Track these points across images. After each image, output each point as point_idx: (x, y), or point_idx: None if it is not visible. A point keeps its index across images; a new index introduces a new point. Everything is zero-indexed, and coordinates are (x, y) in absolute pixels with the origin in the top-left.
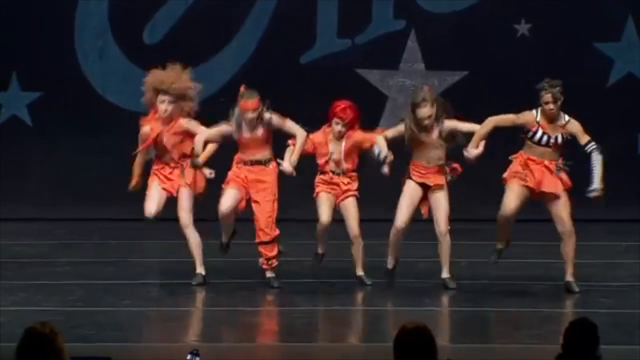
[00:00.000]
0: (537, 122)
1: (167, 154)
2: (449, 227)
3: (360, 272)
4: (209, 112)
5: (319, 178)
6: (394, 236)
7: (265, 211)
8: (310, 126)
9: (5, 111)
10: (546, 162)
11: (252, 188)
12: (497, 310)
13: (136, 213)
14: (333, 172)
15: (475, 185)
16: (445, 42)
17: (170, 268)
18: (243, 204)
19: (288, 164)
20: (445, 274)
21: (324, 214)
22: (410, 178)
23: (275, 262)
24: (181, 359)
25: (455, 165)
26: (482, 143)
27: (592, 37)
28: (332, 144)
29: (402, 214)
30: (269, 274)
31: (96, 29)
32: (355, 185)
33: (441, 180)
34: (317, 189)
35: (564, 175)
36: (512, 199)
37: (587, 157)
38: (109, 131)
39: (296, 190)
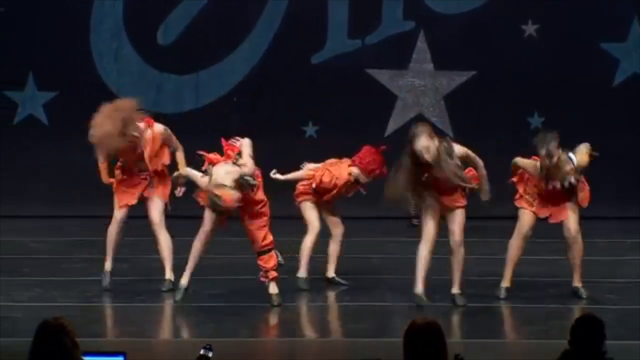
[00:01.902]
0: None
1: (136, 162)
2: (463, 239)
3: (332, 274)
4: (222, 112)
5: (305, 188)
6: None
7: (257, 221)
8: (323, 125)
9: (22, 110)
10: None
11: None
12: (505, 306)
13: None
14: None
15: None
16: (453, 42)
17: (182, 264)
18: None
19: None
20: (455, 289)
21: (316, 220)
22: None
23: (274, 274)
24: (195, 353)
25: (472, 174)
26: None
27: (599, 38)
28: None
29: (429, 230)
30: (271, 290)
31: (111, 30)
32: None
33: (462, 201)
34: (301, 197)
35: (582, 193)
36: (525, 222)
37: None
38: None
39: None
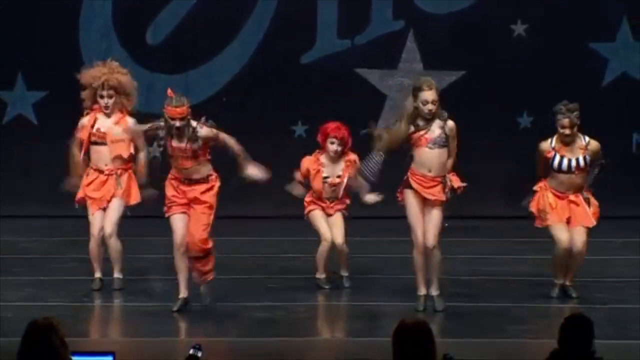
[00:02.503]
0: (553, 148)
1: (102, 156)
2: (438, 241)
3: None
4: (212, 111)
5: (310, 198)
6: (420, 256)
7: (199, 224)
8: (312, 125)
9: (11, 110)
10: (571, 197)
11: (192, 203)
12: (494, 305)
13: (140, 210)
14: (327, 199)
15: (473, 182)
16: (443, 42)
17: (173, 264)
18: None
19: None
20: (435, 291)
21: (326, 231)
22: (410, 187)
23: (210, 277)
24: (184, 353)
25: (458, 184)
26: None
27: (588, 38)
28: (327, 168)
29: (418, 231)
30: (202, 289)
31: (100, 30)
32: (344, 205)
33: (442, 196)
34: (308, 207)
35: (592, 208)
36: (561, 235)
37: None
38: None
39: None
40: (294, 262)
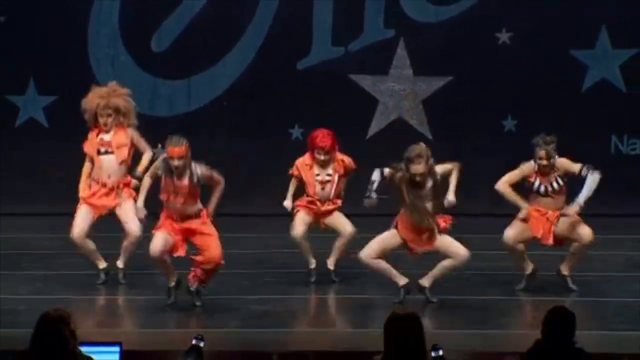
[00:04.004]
0: (535, 173)
1: (109, 165)
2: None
3: (331, 266)
4: (213, 115)
5: (302, 202)
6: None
7: (213, 243)
8: (308, 128)
9: (23, 113)
10: (549, 214)
11: (189, 236)
12: (481, 298)
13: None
14: (318, 199)
15: (461, 182)
16: (432, 49)
17: (177, 260)
18: (179, 250)
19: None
20: (427, 283)
21: (299, 227)
22: (397, 229)
23: (204, 285)
24: (187, 343)
25: (444, 223)
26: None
27: (568, 45)
28: (318, 167)
29: (371, 249)
30: (193, 287)
31: (108, 38)
32: (336, 206)
33: (431, 245)
34: (297, 207)
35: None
36: (509, 231)
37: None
38: None
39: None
40: (291, 258)
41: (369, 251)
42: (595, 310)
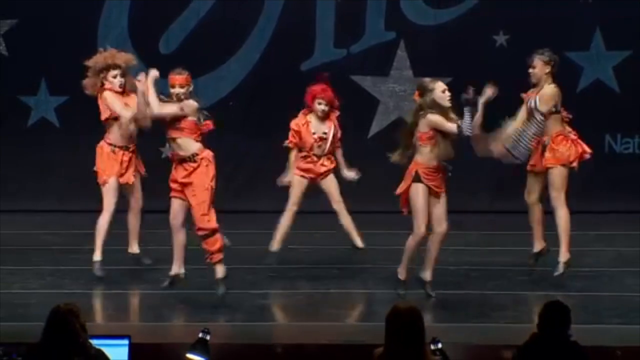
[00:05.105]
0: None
1: (125, 133)
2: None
3: (358, 242)
4: (219, 115)
5: (300, 162)
6: (416, 244)
7: (194, 205)
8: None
9: (35, 114)
10: (544, 138)
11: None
12: (478, 292)
13: (153, 205)
14: (315, 154)
15: (460, 178)
16: (431, 51)
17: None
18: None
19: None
20: (428, 276)
21: (295, 204)
22: (420, 181)
23: (217, 257)
24: (194, 336)
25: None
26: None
27: (564, 47)
28: (314, 124)
29: (422, 220)
30: (218, 274)
31: (117, 40)
32: (332, 165)
33: (444, 186)
34: (296, 171)
35: (551, 152)
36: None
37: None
38: None
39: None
40: (294, 253)
41: (423, 227)
42: (589, 304)
